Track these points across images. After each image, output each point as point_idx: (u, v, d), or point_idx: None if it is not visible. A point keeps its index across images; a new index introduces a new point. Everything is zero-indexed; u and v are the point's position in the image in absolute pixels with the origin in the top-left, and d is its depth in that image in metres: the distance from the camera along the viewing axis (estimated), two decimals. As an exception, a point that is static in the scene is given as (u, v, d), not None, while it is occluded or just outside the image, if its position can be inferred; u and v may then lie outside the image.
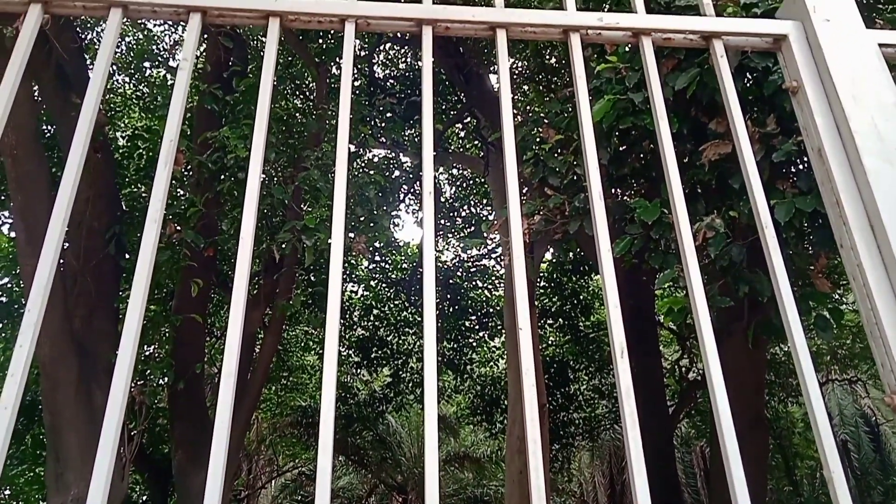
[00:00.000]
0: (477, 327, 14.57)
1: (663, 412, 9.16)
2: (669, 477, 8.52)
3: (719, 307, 3.73)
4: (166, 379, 6.51)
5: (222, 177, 5.28)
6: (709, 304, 1.61)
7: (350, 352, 14.51)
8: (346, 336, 14.19)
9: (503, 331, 13.98)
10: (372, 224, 5.07)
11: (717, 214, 3.37)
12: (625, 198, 4.84)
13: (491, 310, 14.30)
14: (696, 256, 1.47)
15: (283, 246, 4.85)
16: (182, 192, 6.72)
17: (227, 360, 1.46)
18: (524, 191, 5.72)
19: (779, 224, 3.18)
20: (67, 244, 5.85)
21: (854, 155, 1.53)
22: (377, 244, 12.42)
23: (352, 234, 5.41)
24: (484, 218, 13.76)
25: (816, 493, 10.96)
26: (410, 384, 14.53)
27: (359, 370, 15.00)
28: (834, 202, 1.56)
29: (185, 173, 6.74)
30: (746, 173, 1.52)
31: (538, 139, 4.61)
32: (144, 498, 12.47)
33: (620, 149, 4.28)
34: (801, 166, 3.54)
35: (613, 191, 4.57)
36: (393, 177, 10.58)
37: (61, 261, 5.91)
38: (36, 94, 5.96)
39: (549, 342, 14.57)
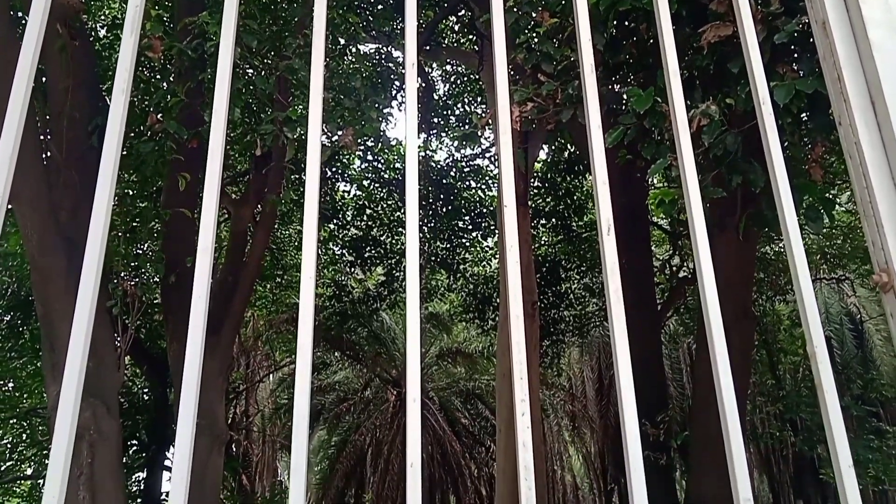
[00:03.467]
0: (470, 227, 14.59)
1: (652, 309, 9.30)
2: (656, 371, 8.74)
3: (711, 200, 3.69)
4: (158, 276, 6.52)
5: (205, 66, 5.09)
6: (701, 195, 1.57)
7: (344, 251, 14.57)
8: (340, 235, 14.21)
9: (496, 231, 14.01)
10: (360, 114, 4.93)
11: (712, 101, 3.28)
12: (621, 90, 4.71)
13: (484, 210, 14.27)
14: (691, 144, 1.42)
15: (266, 137, 4.73)
16: (164, 83, 6.53)
17: (203, 236, 1.42)
18: (517, 80, 5.56)
19: (777, 109, 3.09)
20: (49, 136, 5.72)
21: (859, 26, 1.45)
22: (369, 142, 12.23)
23: (340, 132, 5.28)
24: (479, 116, 13.51)
25: (798, 387, 11.31)
26: (403, 283, 14.68)
27: (353, 269, 15.12)
28: (836, 77, 1.49)
29: (166, 64, 6.52)
30: (746, 45, 1.45)
31: (532, 23, 4.41)
32: (146, 390, 12.82)
33: (617, 35, 4.11)
34: (802, 51, 3.41)
35: (609, 81, 4.43)
36: (384, 71, 10.26)
37: (46, 154, 5.79)
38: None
39: (542, 242, 14.64)
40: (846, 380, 10.89)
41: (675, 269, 12.46)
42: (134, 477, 12.30)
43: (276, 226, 12.01)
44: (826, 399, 1.24)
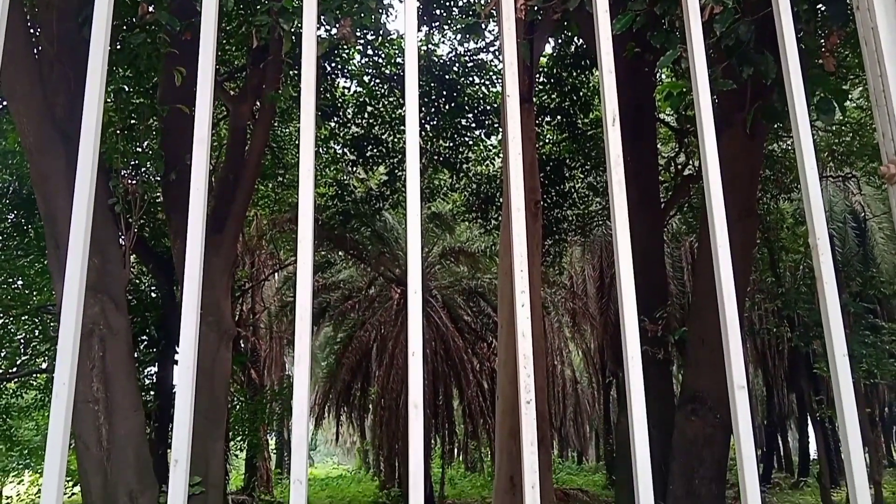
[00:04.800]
0: (473, 125, 14.33)
1: (655, 207, 9.28)
2: (657, 269, 8.82)
3: (720, 95, 3.60)
4: (158, 174, 6.47)
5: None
6: (711, 88, 1.52)
7: (345, 150, 14.40)
8: (340, 134, 14.01)
9: (499, 129, 13.80)
10: (358, 4, 4.73)
11: (727, -13, 3.13)
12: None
13: (488, 107, 13.98)
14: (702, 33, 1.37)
15: (262, 29, 4.57)
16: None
17: (199, 127, 1.39)
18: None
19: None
20: (39, 29, 5.53)
21: None
22: (368, 35, 11.85)
23: (338, 24, 5.09)
24: (483, 6, 12.99)
25: (798, 284, 11.43)
26: (406, 182, 14.57)
27: (354, 168, 15.00)
28: (856, -43, 1.43)
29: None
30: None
31: None
32: (152, 288, 13.03)
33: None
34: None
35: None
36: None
37: (37, 48, 5.63)
38: None
39: (546, 140, 14.45)
40: (846, 277, 10.98)
41: (680, 167, 12.36)
42: (146, 371, 12.70)
43: (275, 124, 11.83)
44: (825, 291, 1.25)
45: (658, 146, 11.21)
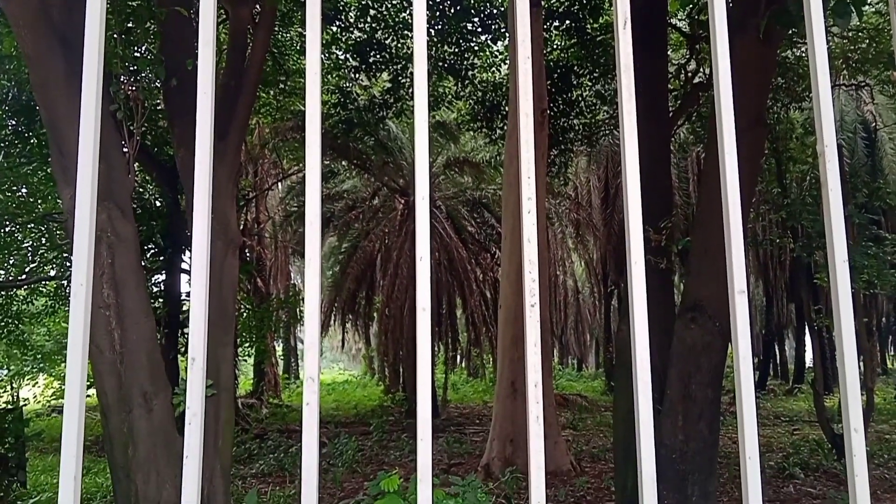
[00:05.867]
0: (480, 30, 13.94)
1: (663, 116, 9.13)
2: (662, 178, 8.76)
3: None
4: (159, 80, 6.35)
5: None
6: None
7: (347, 56, 14.08)
8: (343, 39, 13.66)
9: (506, 34, 13.43)
10: None
11: None
12: None
13: (495, 11, 13.55)
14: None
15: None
16: None
17: (204, 29, 1.37)
18: None
19: None
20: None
21: None
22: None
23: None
24: None
25: (803, 195, 11.36)
26: (410, 90, 14.32)
27: (357, 75, 14.70)
28: None
29: None
30: None
31: None
32: (157, 197, 13.05)
33: None
34: None
35: None
36: None
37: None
38: None
39: (554, 46, 14.08)
40: (852, 188, 10.90)
41: (690, 74, 12.09)
42: (153, 279, 12.87)
43: (276, 29, 11.53)
44: (829, 197, 1.26)
45: (668, 53, 10.93)
